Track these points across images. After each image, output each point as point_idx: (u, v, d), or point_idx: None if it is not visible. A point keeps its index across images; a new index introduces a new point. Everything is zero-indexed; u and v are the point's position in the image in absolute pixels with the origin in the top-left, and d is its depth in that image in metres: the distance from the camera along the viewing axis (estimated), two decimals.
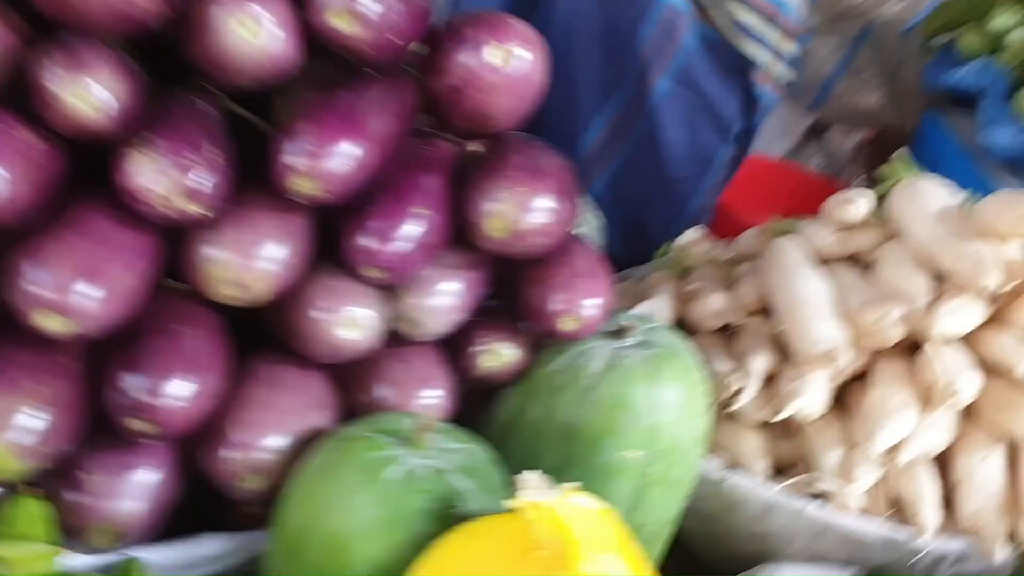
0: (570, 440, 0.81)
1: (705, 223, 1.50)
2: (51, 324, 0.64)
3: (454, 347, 0.84)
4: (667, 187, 1.46)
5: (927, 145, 1.77)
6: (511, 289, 0.84)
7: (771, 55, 1.40)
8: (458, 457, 0.68)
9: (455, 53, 0.78)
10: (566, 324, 0.81)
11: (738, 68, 1.41)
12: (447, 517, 0.63)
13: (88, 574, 0.61)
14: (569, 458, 0.80)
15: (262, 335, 0.77)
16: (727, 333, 1.07)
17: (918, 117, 1.79)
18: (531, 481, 0.61)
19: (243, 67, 0.71)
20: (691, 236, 1.25)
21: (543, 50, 0.81)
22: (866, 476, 0.90)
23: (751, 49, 1.39)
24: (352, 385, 0.79)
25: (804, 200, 1.73)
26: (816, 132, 1.90)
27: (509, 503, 0.61)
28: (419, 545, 0.62)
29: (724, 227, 1.40)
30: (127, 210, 0.67)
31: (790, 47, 1.42)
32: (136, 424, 0.66)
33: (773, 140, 1.88)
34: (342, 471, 0.65)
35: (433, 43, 0.80)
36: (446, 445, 0.69)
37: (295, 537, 0.65)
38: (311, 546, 0.64)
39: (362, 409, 0.78)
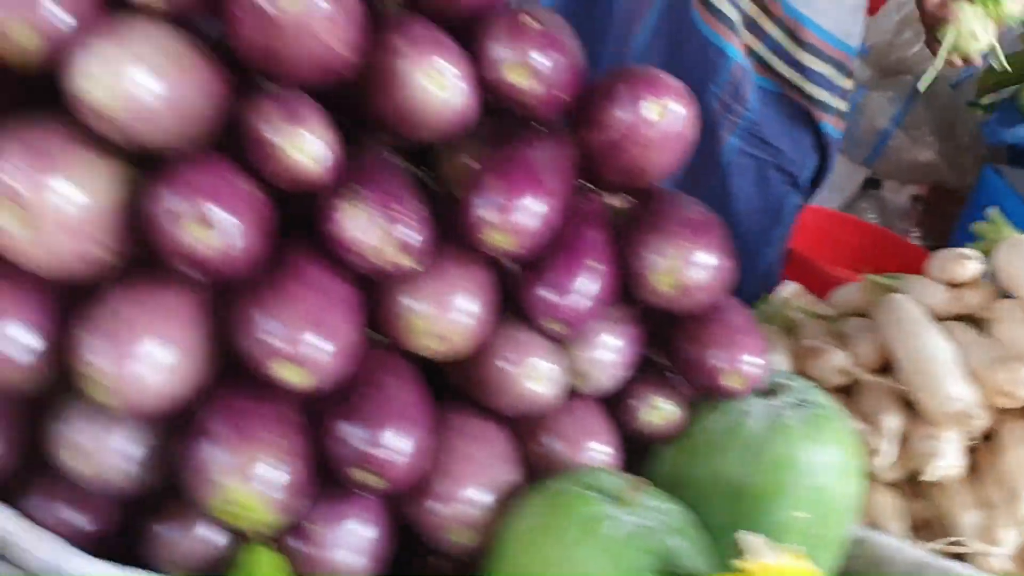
0: (737, 500, 0.80)
1: (778, 273, 1.52)
2: (288, 375, 0.63)
3: (614, 401, 0.83)
4: (739, 241, 1.46)
5: (985, 200, 1.79)
6: (668, 345, 0.84)
7: (839, 97, 1.43)
8: (667, 517, 0.68)
9: (613, 108, 0.78)
10: (730, 381, 0.81)
11: (804, 117, 1.43)
12: None
13: None
14: (736, 517, 0.80)
15: (443, 388, 0.76)
16: (843, 391, 1.07)
17: (972, 173, 1.82)
18: (756, 543, 0.61)
19: (427, 120, 0.71)
20: (789, 290, 1.25)
21: (695, 105, 0.82)
22: (1010, 538, 0.90)
23: (822, 96, 1.41)
24: (523, 437, 0.79)
25: (869, 251, 1.76)
26: (870, 186, 1.93)
27: (737, 564, 0.61)
28: None
29: (794, 275, 1.41)
30: (337, 261, 0.67)
31: (850, 84, 1.45)
32: (359, 475, 0.66)
33: (828, 193, 1.90)
34: (560, 526, 0.65)
35: (587, 98, 0.80)
36: (651, 504, 0.68)
37: None
38: None
39: (532, 460, 0.78)
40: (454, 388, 0.78)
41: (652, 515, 0.67)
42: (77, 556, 0.68)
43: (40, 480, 0.71)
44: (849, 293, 1.22)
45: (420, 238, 0.68)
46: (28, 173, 0.59)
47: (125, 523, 0.73)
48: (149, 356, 0.63)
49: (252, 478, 0.64)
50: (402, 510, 0.73)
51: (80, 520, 0.71)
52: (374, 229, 0.66)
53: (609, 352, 0.81)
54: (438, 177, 0.80)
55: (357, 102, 0.72)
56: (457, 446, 0.73)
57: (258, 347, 0.63)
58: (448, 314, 0.71)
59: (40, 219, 0.60)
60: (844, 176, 1.93)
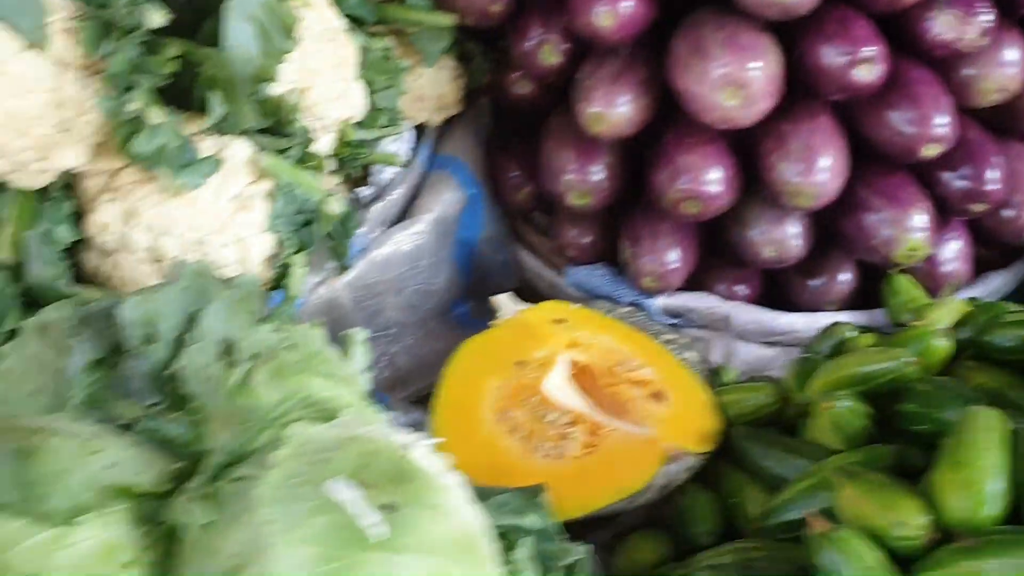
0: None
1: None
2: (930, 152, 0.88)
3: None
4: None
5: None
6: None
7: None
8: None
9: None
10: None
11: None
12: None
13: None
14: None
15: None
16: None
17: None
18: None
19: None
20: None
21: None
22: None
23: None
24: None
25: None
26: None
27: None
28: None
29: None
30: (921, 54, 0.89)
31: None
32: (977, 207, 0.92)
33: None
34: None
35: None
36: None
37: None
38: None
39: None
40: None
41: None
42: (778, 313, 0.95)
43: (718, 270, 0.99)
44: None
45: (992, 21, 0.87)
46: (739, 64, 0.83)
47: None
48: (827, 166, 0.87)
49: (914, 228, 0.89)
50: (982, 222, 0.97)
51: (748, 291, 0.99)
52: (963, 26, 0.86)
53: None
54: None
55: None
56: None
57: (906, 138, 0.87)
58: (1004, 70, 0.91)
59: (749, 93, 0.83)
60: None
